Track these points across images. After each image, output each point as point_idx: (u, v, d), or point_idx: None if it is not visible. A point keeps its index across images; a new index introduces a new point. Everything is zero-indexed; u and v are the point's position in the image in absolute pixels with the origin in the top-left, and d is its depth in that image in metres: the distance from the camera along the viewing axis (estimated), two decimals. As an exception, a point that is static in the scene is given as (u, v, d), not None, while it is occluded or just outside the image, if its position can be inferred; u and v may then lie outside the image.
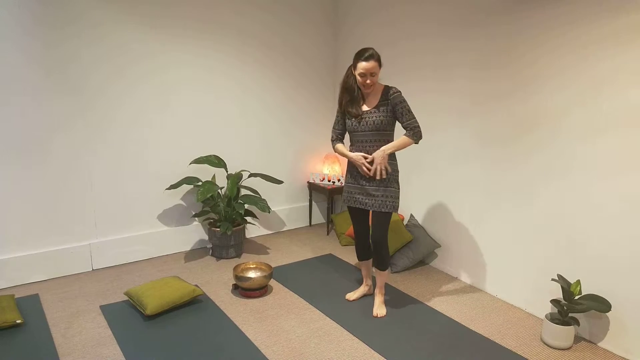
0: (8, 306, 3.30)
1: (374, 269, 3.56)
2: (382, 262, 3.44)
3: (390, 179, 3.30)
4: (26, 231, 3.82)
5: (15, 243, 3.79)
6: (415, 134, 3.23)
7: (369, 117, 3.25)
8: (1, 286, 3.76)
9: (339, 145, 3.42)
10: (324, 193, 5.13)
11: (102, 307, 3.52)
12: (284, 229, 5.30)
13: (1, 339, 3.07)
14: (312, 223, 5.49)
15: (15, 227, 3.77)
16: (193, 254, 4.55)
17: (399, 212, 4.54)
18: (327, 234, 5.19)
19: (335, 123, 3.46)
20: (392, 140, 3.33)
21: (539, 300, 3.47)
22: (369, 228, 3.61)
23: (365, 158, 3.26)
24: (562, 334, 3.08)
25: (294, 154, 5.22)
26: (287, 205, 5.28)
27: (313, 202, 5.45)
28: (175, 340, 3.10)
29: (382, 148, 3.23)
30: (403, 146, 3.26)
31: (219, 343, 3.08)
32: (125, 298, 3.64)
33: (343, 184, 5.04)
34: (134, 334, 3.17)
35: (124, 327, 3.25)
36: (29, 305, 3.51)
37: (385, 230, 3.35)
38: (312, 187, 5.27)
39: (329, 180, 5.15)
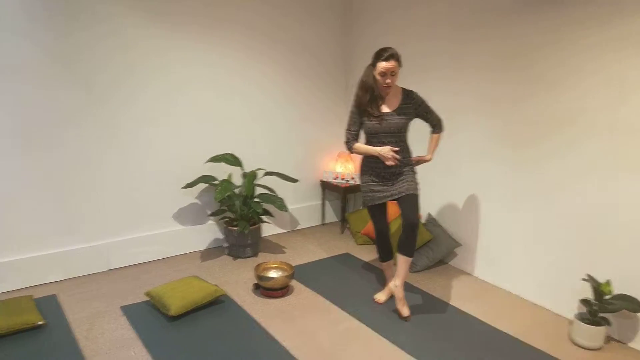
0: (27, 307, 3.23)
1: (399, 257, 3.36)
2: (411, 247, 3.30)
3: (411, 169, 3.40)
4: (41, 231, 3.74)
5: (31, 243, 3.71)
6: (441, 127, 3.49)
7: (391, 119, 3.26)
8: (18, 286, 3.69)
9: (358, 144, 3.37)
10: (338, 191, 5.08)
11: (122, 307, 3.45)
12: (298, 227, 5.25)
13: (23, 340, 3.00)
14: (325, 222, 5.45)
15: (30, 226, 3.69)
16: (209, 253, 4.49)
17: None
18: (342, 232, 5.14)
19: (351, 124, 3.39)
20: (406, 141, 3.41)
21: (565, 300, 3.45)
22: (389, 226, 3.59)
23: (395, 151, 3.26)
24: (593, 334, 3.06)
25: (306, 152, 5.17)
26: (299, 204, 5.23)
27: (326, 201, 5.40)
28: (203, 341, 3.05)
29: (429, 157, 3.51)
30: (438, 144, 3.55)
31: (247, 344, 3.03)
32: (145, 298, 3.58)
33: (357, 184, 5.02)
34: (159, 335, 3.12)
35: (148, 329, 3.19)
36: (48, 306, 3.43)
37: (417, 212, 3.28)
38: (325, 186, 5.22)
39: (343, 179, 5.11)
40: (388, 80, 3.18)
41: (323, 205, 5.36)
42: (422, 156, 3.52)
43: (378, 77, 3.19)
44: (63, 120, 3.69)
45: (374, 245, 4.73)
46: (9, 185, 3.56)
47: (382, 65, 3.15)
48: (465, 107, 3.97)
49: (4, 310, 3.15)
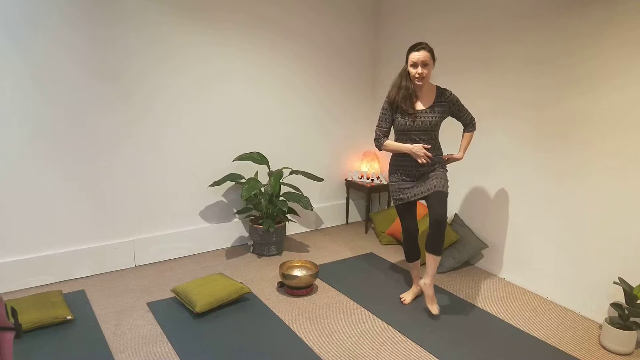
0: (58, 302, 3.29)
1: (427, 255, 3.31)
2: (439, 245, 3.25)
3: (442, 167, 3.39)
4: (71, 227, 3.82)
5: (62, 239, 3.79)
6: (474, 125, 3.46)
7: (424, 117, 3.22)
8: (48, 281, 3.76)
9: (389, 142, 3.35)
10: (362, 191, 5.06)
11: (149, 304, 3.49)
12: (322, 226, 5.24)
13: (53, 334, 3.06)
14: (349, 221, 5.43)
15: (62, 223, 3.77)
16: (234, 251, 4.52)
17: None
18: (366, 232, 5.12)
19: (382, 120, 3.36)
20: (438, 138, 3.38)
21: (595, 304, 3.37)
22: (417, 227, 3.56)
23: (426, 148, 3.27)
24: (624, 339, 2.98)
25: (331, 151, 5.16)
26: (324, 203, 5.23)
27: (350, 200, 5.38)
28: (228, 338, 3.07)
29: (461, 155, 3.47)
30: (470, 143, 3.56)
31: (272, 342, 3.04)
32: (171, 295, 3.61)
33: (384, 183, 5.00)
34: (185, 331, 3.14)
35: (174, 325, 3.22)
36: (77, 301, 3.49)
37: (445, 209, 3.23)
38: (350, 185, 5.20)
39: (368, 178, 5.08)
40: (420, 71, 3.15)
41: (347, 204, 5.34)
42: (453, 154, 3.49)
43: (410, 69, 3.18)
44: (91, 117, 3.75)
45: (399, 246, 4.70)
46: (40, 182, 3.63)
47: (414, 55, 3.15)
48: (498, 110, 3.91)
49: (34, 304, 3.22)
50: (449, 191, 3.32)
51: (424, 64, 3.14)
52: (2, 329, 1.07)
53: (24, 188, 3.58)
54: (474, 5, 4.00)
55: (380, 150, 3.40)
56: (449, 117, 3.40)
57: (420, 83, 3.20)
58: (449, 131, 3.72)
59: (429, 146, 3.25)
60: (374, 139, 3.39)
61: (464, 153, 3.48)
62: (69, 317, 3.19)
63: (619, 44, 3.05)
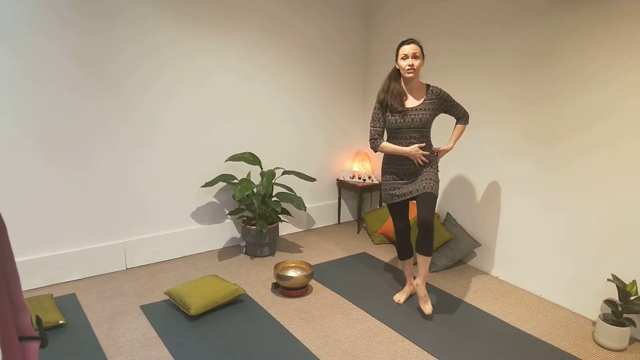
0: (49, 306, 3.24)
1: (418, 256, 3.34)
2: (428, 246, 3.27)
3: (433, 165, 3.36)
4: (62, 229, 3.75)
5: (51, 241, 3.72)
6: (467, 118, 3.47)
7: (414, 114, 3.22)
8: (38, 285, 3.70)
9: (385, 143, 3.33)
10: (354, 191, 5.06)
11: (142, 307, 3.45)
12: (314, 226, 5.23)
13: (46, 339, 3.01)
14: (341, 221, 5.43)
15: (51, 225, 3.70)
16: (226, 252, 4.48)
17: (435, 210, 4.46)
18: (358, 232, 5.12)
19: (375, 120, 3.35)
20: (430, 137, 3.35)
21: (587, 301, 3.40)
22: (410, 225, 3.56)
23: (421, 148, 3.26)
24: (618, 335, 3.02)
25: (322, 151, 5.15)
26: (315, 203, 5.21)
27: (342, 200, 5.37)
28: (224, 340, 3.04)
29: (450, 145, 3.43)
30: (462, 135, 3.51)
31: (269, 343, 3.02)
32: (165, 297, 3.58)
33: (375, 182, 5.00)
34: (180, 334, 3.11)
35: (169, 328, 3.19)
36: (68, 305, 3.44)
37: (433, 211, 3.23)
38: (342, 185, 5.20)
39: (360, 178, 5.08)
40: (411, 62, 3.14)
41: (339, 204, 5.33)
42: (442, 147, 3.48)
43: (401, 62, 3.19)
44: (87, 122, 3.69)
45: (391, 245, 4.70)
46: (30, 183, 3.57)
47: (405, 48, 3.17)
48: (490, 105, 3.93)
49: (25, 309, 3.16)
50: (438, 192, 3.31)
51: (415, 56, 3.16)
52: (28, 339, 1.04)
53: (10, 189, 3.51)
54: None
55: (375, 151, 3.39)
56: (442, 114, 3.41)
57: (412, 75, 3.18)
58: (445, 127, 3.73)
59: (424, 144, 3.25)
60: (370, 140, 3.37)
61: (454, 143, 3.47)
62: (61, 322, 3.14)
63: (615, 36, 3.08)
